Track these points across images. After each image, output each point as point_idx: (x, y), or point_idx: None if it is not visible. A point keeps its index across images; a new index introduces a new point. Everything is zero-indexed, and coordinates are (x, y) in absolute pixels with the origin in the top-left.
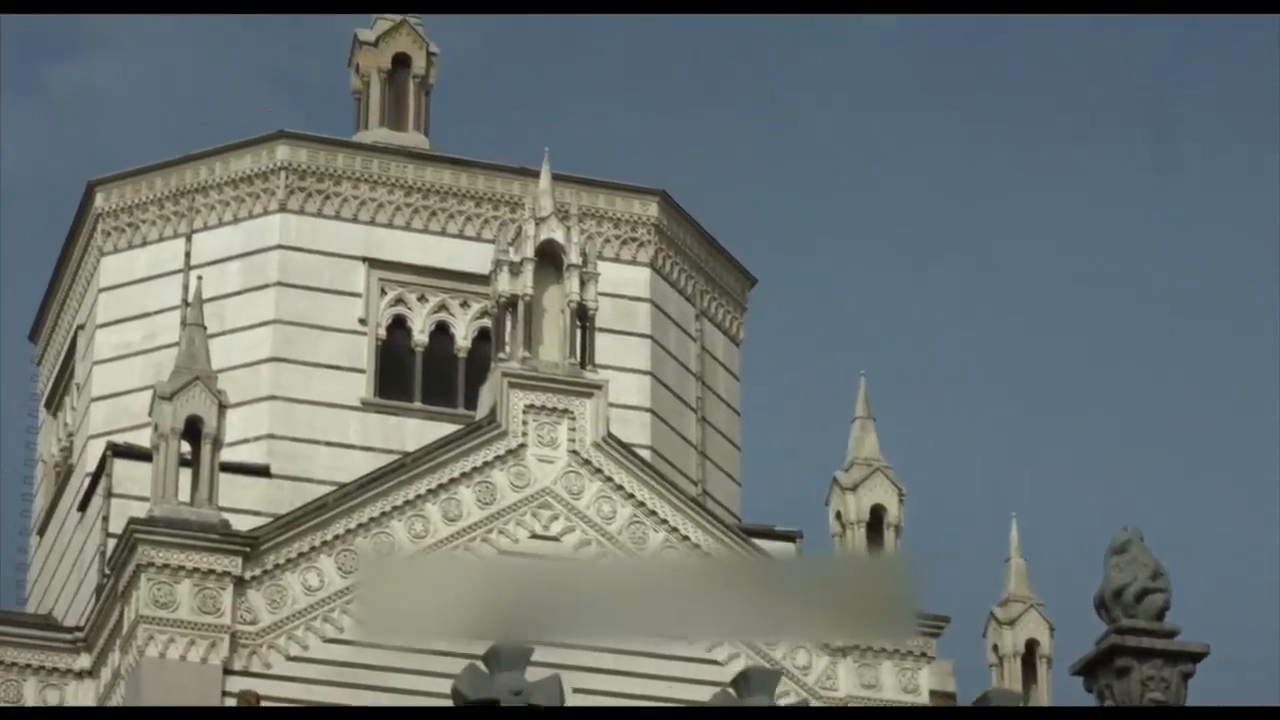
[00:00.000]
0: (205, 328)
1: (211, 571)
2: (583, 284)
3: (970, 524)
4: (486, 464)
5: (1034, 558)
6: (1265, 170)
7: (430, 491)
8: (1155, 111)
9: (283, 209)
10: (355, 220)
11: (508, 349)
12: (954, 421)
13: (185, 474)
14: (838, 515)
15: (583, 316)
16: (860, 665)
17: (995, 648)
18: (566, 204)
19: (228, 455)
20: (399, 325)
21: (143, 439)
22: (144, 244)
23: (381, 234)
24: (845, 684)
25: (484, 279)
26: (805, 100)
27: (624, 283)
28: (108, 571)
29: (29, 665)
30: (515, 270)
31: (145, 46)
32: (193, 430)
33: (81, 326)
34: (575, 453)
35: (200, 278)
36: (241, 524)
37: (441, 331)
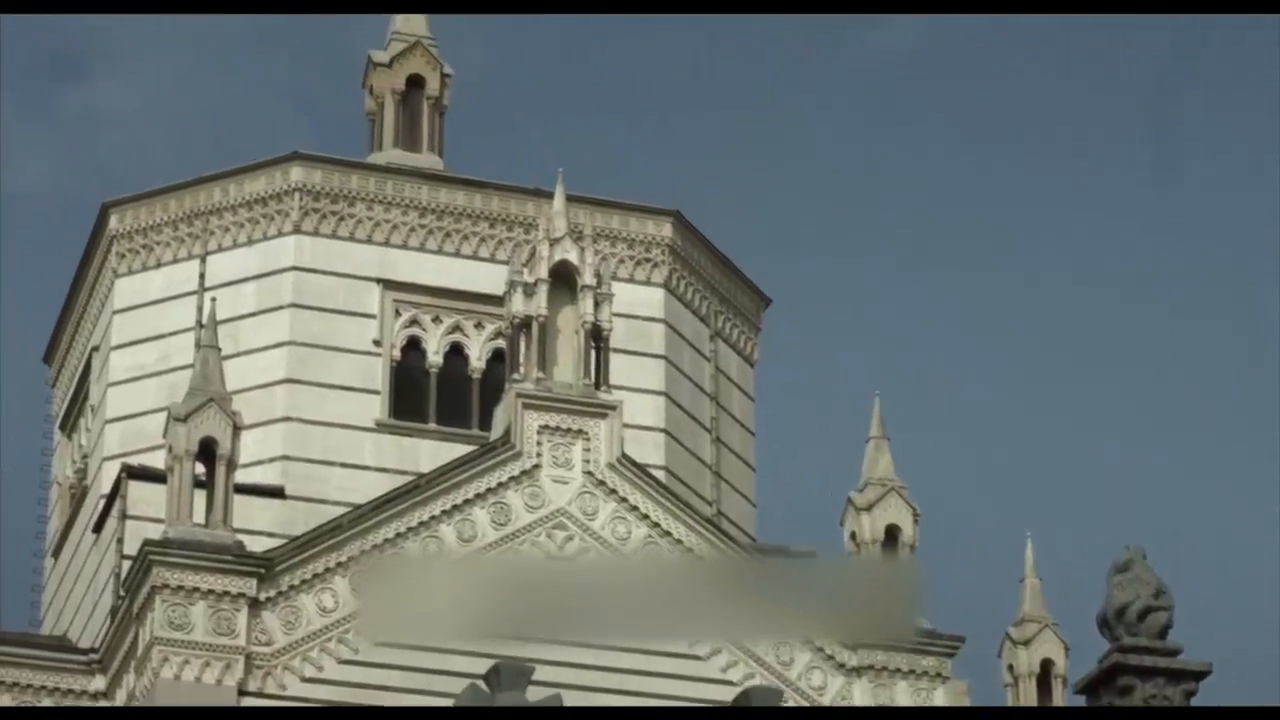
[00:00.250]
0: (220, 349)
1: (226, 593)
2: (597, 305)
3: (985, 543)
4: (501, 485)
5: (1049, 577)
6: (1265, 171)
7: (445, 513)
8: (1155, 117)
9: (297, 230)
10: (369, 241)
11: (522, 370)
12: (969, 440)
13: (200, 495)
14: (853, 535)
15: (597, 337)
16: (876, 685)
17: (1010, 668)
18: (580, 225)
19: (242, 477)
20: (413, 346)
21: (157, 461)
22: (158, 265)
23: (396, 255)
24: (860, 704)
25: (498, 300)
26: (819, 119)
27: (638, 303)
28: (122, 593)
29: (44, 687)
30: (529, 291)
31: (159, 68)
32: (207, 452)
33: (96, 348)
34: (590, 473)
35: (214, 299)
36: (256, 545)
37: (456, 353)
